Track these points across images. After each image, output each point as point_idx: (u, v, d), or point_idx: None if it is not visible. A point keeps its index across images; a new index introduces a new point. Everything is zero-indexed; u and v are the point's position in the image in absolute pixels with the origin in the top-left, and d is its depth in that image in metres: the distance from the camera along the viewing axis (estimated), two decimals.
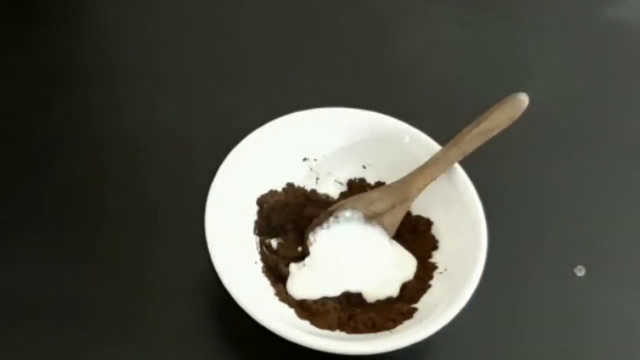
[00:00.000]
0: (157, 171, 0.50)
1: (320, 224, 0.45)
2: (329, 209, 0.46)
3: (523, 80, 0.58)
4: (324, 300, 0.43)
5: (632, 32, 0.63)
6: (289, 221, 0.46)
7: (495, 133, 0.45)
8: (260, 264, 0.44)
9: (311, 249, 0.45)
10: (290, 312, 0.42)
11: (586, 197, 0.52)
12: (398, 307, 0.43)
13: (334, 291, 0.44)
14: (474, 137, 0.45)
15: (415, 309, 0.42)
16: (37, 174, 0.49)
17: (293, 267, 0.44)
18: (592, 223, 0.51)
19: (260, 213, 0.46)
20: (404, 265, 0.45)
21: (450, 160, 0.45)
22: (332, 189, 0.49)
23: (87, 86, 0.56)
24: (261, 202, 0.46)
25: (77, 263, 0.45)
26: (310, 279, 0.44)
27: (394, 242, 0.46)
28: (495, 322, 0.45)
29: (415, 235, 0.46)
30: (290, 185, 0.48)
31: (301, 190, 0.48)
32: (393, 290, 0.44)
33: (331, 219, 0.45)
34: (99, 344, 0.42)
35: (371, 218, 0.46)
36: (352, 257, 0.45)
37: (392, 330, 0.41)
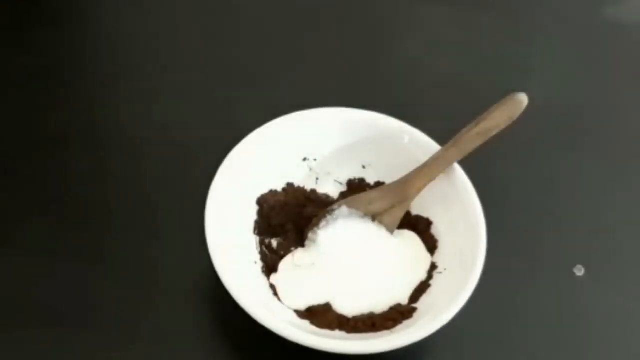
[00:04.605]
0: (157, 171, 0.50)
1: (318, 223, 0.45)
2: (328, 208, 0.46)
3: (523, 80, 0.58)
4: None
5: (632, 32, 0.63)
6: (289, 221, 0.46)
7: (494, 133, 0.45)
8: (260, 264, 0.44)
9: (311, 250, 0.45)
10: (290, 312, 0.42)
11: (586, 197, 0.52)
12: (398, 307, 0.43)
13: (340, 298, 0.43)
14: (473, 137, 0.45)
15: (415, 309, 0.42)
16: (37, 174, 0.49)
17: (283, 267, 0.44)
18: (592, 223, 0.51)
19: (260, 213, 0.46)
20: (414, 267, 0.45)
21: (449, 160, 0.45)
22: (332, 189, 0.49)
23: (88, 87, 0.56)
24: (261, 202, 0.46)
25: (76, 263, 0.45)
26: (311, 286, 0.44)
27: (401, 238, 0.46)
28: (495, 322, 0.45)
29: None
30: (290, 185, 0.48)
31: (301, 190, 0.48)
32: (403, 297, 0.44)
33: (330, 218, 0.45)
34: (98, 344, 0.42)
35: (370, 218, 0.46)
36: (357, 267, 0.44)
37: (392, 330, 0.41)
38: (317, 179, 0.49)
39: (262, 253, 0.45)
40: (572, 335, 0.45)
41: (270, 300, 0.43)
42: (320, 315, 0.42)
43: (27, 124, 0.52)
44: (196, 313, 0.44)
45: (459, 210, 0.44)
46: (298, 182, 0.48)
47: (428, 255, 0.45)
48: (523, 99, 0.45)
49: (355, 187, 0.48)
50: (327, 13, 0.62)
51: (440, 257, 0.45)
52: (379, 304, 0.43)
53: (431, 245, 0.46)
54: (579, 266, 0.48)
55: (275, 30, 0.60)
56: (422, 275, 0.44)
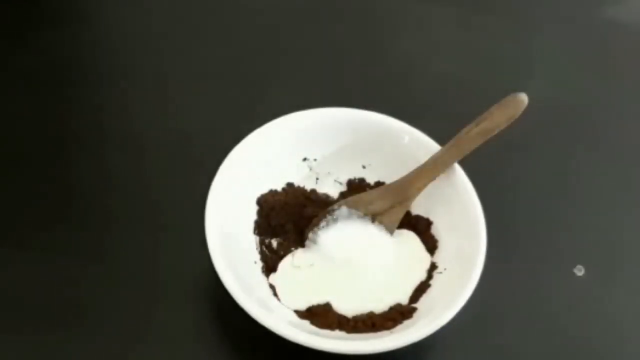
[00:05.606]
0: (158, 171, 0.50)
1: (318, 224, 0.45)
2: (328, 208, 0.46)
3: (523, 80, 0.58)
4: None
5: (632, 32, 0.63)
6: (289, 221, 0.46)
7: (494, 133, 0.45)
8: (260, 264, 0.44)
9: (311, 251, 0.45)
10: (290, 312, 0.42)
11: (586, 197, 0.52)
12: (398, 307, 0.43)
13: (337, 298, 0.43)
14: (473, 137, 0.45)
15: (414, 309, 0.42)
16: (39, 174, 0.49)
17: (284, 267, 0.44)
18: (592, 223, 0.51)
19: (260, 213, 0.46)
20: (414, 267, 0.45)
21: (449, 160, 0.45)
22: (332, 189, 0.49)
23: (89, 87, 0.56)
24: (261, 202, 0.46)
25: (76, 263, 0.45)
26: (310, 285, 0.44)
27: (401, 239, 0.46)
28: (495, 322, 0.45)
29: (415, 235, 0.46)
30: (290, 185, 0.48)
31: (301, 190, 0.48)
32: (403, 297, 0.44)
33: (330, 218, 0.45)
34: (98, 344, 0.42)
35: (370, 218, 0.46)
36: (356, 266, 0.44)
37: (392, 330, 0.41)
38: (317, 179, 0.49)
39: (262, 253, 0.45)
40: (572, 336, 0.45)
41: (270, 301, 0.43)
42: (320, 315, 0.42)
43: (28, 124, 0.52)
44: (196, 313, 0.44)
45: (459, 210, 0.44)
46: (298, 182, 0.48)
47: (428, 255, 0.45)
48: (523, 99, 0.45)
49: (355, 187, 0.48)
50: (327, 13, 0.62)
51: (440, 257, 0.45)
52: (379, 304, 0.43)
53: (431, 245, 0.46)
54: (579, 266, 0.48)
55: (275, 30, 0.60)
56: (422, 275, 0.44)
